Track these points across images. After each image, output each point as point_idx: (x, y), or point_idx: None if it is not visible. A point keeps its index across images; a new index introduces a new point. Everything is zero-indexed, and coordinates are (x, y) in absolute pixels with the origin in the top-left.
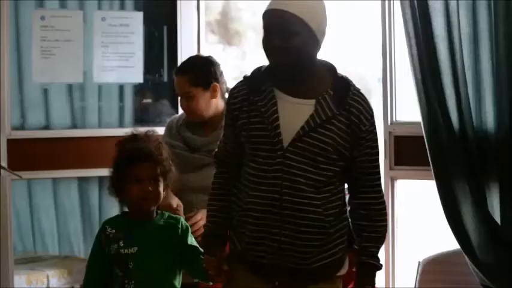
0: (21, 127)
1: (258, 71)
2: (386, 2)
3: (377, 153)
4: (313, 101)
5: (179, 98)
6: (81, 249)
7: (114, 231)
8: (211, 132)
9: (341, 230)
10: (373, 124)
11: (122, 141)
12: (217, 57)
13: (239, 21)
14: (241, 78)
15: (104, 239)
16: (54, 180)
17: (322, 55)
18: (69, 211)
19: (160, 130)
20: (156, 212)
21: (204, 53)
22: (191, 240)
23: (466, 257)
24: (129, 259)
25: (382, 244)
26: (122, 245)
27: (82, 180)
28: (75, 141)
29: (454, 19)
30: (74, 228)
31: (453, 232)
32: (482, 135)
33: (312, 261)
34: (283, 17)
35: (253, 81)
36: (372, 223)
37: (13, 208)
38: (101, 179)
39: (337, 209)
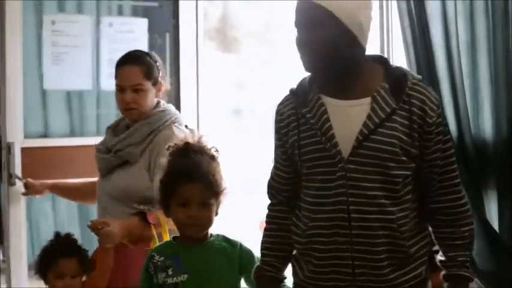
0: (33, 135)
1: (302, 82)
2: (384, 9)
3: (450, 148)
4: (367, 100)
5: (119, 91)
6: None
7: (162, 258)
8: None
9: (423, 248)
10: (440, 115)
11: (174, 151)
12: (215, 64)
13: (237, 28)
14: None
15: (152, 267)
16: None
17: None
18: (68, 219)
19: None
20: (211, 234)
21: (203, 60)
22: (247, 278)
23: None
24: None
25: (471, 251)
26: (170, 273)
27: None
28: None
29: (452, 27)
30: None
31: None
32: (481, 143)
33: (392, 284)
34: (306, 7)
35: (299, 93)
36: (456, 229)
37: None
38: None
39: (415, 223)
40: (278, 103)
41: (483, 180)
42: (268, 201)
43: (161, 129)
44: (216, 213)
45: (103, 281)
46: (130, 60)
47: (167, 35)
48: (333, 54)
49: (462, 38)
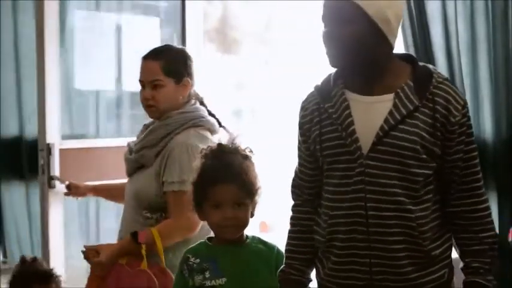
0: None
1: (328, 77)
2: None
3: (473, 150)
4: (390, 96)
5: (141, 87)
6: (80, 256)
7: (198, 260)
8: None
9: (447, 251)
10: (465, 115)
11: (207, 153)
12: (215, 65)
13: (237, 29)
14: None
15: (187, 270)
16: None
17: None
18: (66, 218)
19: None
20: (247, 236)
21: (203, 61)
22: None
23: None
24: None
25: (490, 258)
26: (207, 276)
27: None
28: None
29: (452, 27)
30: (71, 236)
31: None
32: (480, 144)
33: (413, 284)
34: (335, 2)
35: (324, 88)
36: (474, 234)
37: (11, 215)
38: None
39: (436, 224)
40: (303, 100)
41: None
42: (286, 202)
43: (178, 133)
44: (252, 214)
45: None
46: (151, 55)
47: (174, 35)
48: (361, 50)
49: (462, 38)
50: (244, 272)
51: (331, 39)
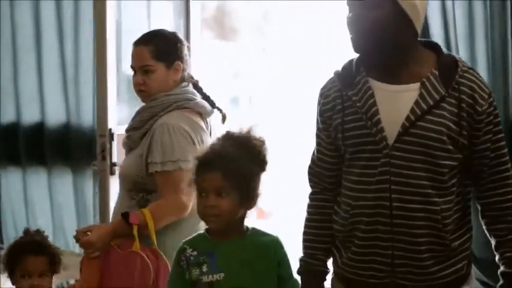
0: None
1: (349, 63)
2: None
3: (501, 139)
4: (416, 85)
5: (133, 73)
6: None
7: (195, 253)
8: None
9: (466, 243)
10: (491, 104)
11: (213, 142)
12: (213, 53)
13: (235, 17)
14: (332, 75)
15: (184, 261)
16: (49, 174)
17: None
18: (63, 205)
19: None
20: (247, 228)
21: (200, 48)
22: (287, 270)
23: None
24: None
25: None
26: (205, 270)
27: (76, 174)
28: None
29: (450, 18)
30: (68, 223)
31: None
32: None
33: (434, 277)
34: None
35: (345, 75)
36: (508, 224)
37: (8, 202)
38: (95, 172)
39: (458, 216)
40: (322, 86)
41: None
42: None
43: (162, 115)
44: (247, 205)
45: None
46: (141, 41)
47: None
48: (386, 35)
49: (460, 28)
50: (243, 268)
51: (356, 23)
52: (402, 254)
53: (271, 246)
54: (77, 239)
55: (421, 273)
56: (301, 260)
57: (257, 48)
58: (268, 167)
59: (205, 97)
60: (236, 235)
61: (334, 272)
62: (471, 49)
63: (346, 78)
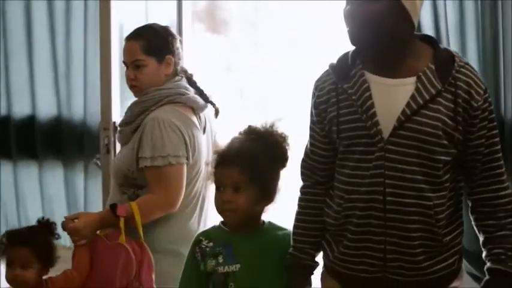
0: None
1: (344, 56)
2: None
3: (495, 136)
4: (412, 79)
5: (126, 68)
6: (67, 237)
7: (211, 244)
8: None
9: (457, 238)
10: (486, 100)
11: (234, 137)
12: (204, 46)
13: (226, 10)
14: (326, 68)
15: (199, 253)
16: (40, 166)
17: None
18: (54, 198)
19: None
20: (263, 222)
21: (189, 41)
22: None
23: None
24: (230, 279)
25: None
26: (221, 261)
27: (67, 167)
28: None
29: (440, 9)
30: (59, 216)
31: None
32: None
33: (425, 272)
34: None
35: (341, 67)
36: (497, 221)
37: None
38: (86, 165)
39: (450, 212)
40: (316, 79)
41: None
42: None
43: (154, 109)
44: (265, 201)
45: (76, 279)
46: (132, 36)
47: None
48: (384, 28)
49: (451, 20)
50: (258, 260)
51: (354, 16)
52: (395, 248)
53: (285, 240)
54: (64, 225)
55: (413, 268)
56: (289, 254)
57: (249, 41)
58: (288, 163)
59: (199, 91)
60: (253, 228)
61: (325, 266)
62: (462, 41)
63: (341, 70)
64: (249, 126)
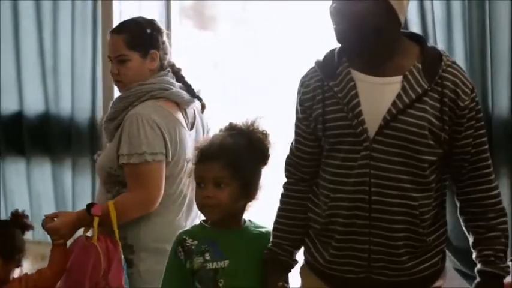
0: None
1: (331, 53)
2: None
3: (483, 136)
4: (399, 78)
5: (111, 63)
6: None
7: (195, 242)
8: None
9: (440, 237)
10: (473, 100)
11: (215, 133)
12: (191, 42)
13: (214, 6)
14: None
15: (183, 251)
16: (27, 163)
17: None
18: (42, 195)
19: None
20: (245, 220)
21: (177, 38)
22: None
23: None
24: (219, 275)
25: (504, 246)
26: (208, 258)
27: (55, 163)
28: None
29: (427, 4)
30: (47, 213)
31: None
32: None
33: (409, 273)
34: None
35: (327, 65)
36: (487, 222)
37: None
38: (74, 161)
39: (435, 212)
40: (302, 76)
41: None
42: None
43: (137, 105)
44: (247, 198)
45: (49, 278)
46: (115, 30)
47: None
48: (370, 27)
49: (437, 15)
50: (244, 256)
51: (341, 14)
52: (379, 249)
53: (267, 237)
54: (43, 224)
55: (397, 268)
56: (267, 249)
57: (236, 38)
58: (269, 160)
59: (186, 86)
60: (235, 226)
61: (306, 262)
62: (449, 37)
63: (327, 68)
64: (230, 123)
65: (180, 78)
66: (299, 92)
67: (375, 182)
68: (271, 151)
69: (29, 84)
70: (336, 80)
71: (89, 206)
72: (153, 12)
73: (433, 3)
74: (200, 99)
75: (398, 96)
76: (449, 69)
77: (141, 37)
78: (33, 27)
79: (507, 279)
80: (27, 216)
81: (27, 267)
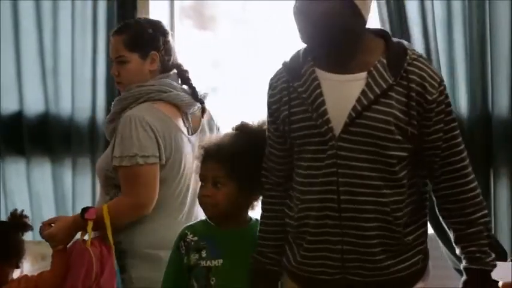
0: None
1: (296, 54)
2: None
3: (454, 129)
4: (363, 75)
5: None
6: None
7: (195, 238)
8: None
9: (421, 237)
10: (442, 93)
11: (224, 133)
12: (192, 42)
13: (214, 6)
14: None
15: (184, 247)
16: (27, 163)
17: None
18: (42, 195)
19: None
20: (251, 218)
21: (179, 37)
22: None
23: (439, 241)
24: (212, 273)
25: (487, 239)
26: (204, 255)
27: (55, 164)
28: None
29: (427, 3)
30: (47, 213)
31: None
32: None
33: (387, 272)
34: None
35: (292, 66)
36: (466, 217)
37: None
38: (74, 161)
39: (411, 209)
40: (271, 77)
41: None
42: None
43: (133, 107)
44: (249, 197)
45: (48, 281)
46: (116, 31)
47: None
48: (334, 25)
49: (438, 14)
50: (241, 256)
51: (304, 14)
52: (352, 248)
53: None
54: (41, 231)
55: (373, 268)
56: (251, 257)
57: (236, 37)
58: None
59: (191, 88)
60: (238, 224)
61: (288, 271)
62: (449, 36)
63: (293, 69)
64: (240, 123)
65: (185, 80)
66: (267, 94)
67: (343, 181)
68: None
69: (29, 84)
70: (301, 80)
71: (84, 210)
72: (154, 12)
73: (433, 3)
74: (202, 103)
75: (363, 92)
76: (415, 62)
77: (141, 38)
78: (33, 27)
79: (507, 279)
80: (26, 216)
81: (27, 267)
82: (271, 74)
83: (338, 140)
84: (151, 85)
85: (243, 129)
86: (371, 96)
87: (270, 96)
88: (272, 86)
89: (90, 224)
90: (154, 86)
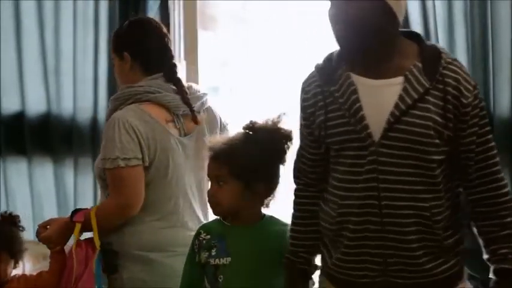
0: None
1: (329, 57)
2: None
3: (488, 133)
4: (399, 79)
5: None
6: None
7: (208, 237)
8: None
9: (459, 240)
10: (476, 97)
11: (234, 132)
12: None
13: (215, 6)
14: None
15: (197, 245)
16: (29, 162)
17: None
18: (44, 195)
19: None
20: (264, 216)
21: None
22: None
23: None
24: (219, 271)
25: None
26: (213, 254)
27: (57, 163)
28: None
29: (429, 3)
30: (49, 213)
31: None
32: None
33: (431, 274)
34: None
35: (326, 70)
36: (498, 220)
37: None
38: (76, 161)
39: (448, 214)
40: (303, 81)
41: None
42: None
43: (122, 108)
44: (253, 197)
45: (46, 281)
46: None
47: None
48: (370, 29)
49: (439, 14)
50: (251, 254)
51: (339, 17)
52: (394, 252)
53: (282, 236)
54: (37, 234)
55: (416, 270)
56: (286, 257)
57: (238, 37)
58: (286, 158)
59: (179, 89)
60: (249, 222)
61: (325, 272)
62: (450, 37)
63: (326, 72)
64: (250, 122)
65: (175, 81)
66: (300, 98)
67: (383, 187)
68: (288, 149)
69: (31, 83)
70: (336, 84)
71: (73, 213)
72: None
73: (434, 3)
74: (192, 112)
75: (400, 97)
76: (449, 66)
77: (118, 39)
78: (35, 26)
79: None
80: (16, 216)
81: (28, 267)
82: (271, 74)
83: (378, 146)
84: (139, 86)
85: (252, 128)
86: (409, 101)
87: (303, 100)
88: (305, 90)
89: (78, 227)
90: (143, 87)
